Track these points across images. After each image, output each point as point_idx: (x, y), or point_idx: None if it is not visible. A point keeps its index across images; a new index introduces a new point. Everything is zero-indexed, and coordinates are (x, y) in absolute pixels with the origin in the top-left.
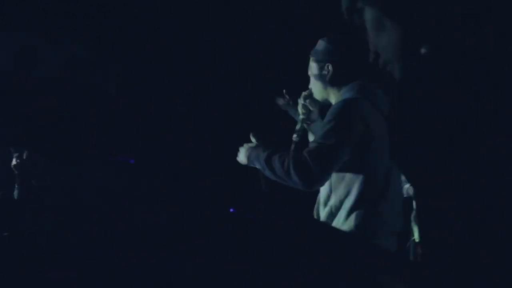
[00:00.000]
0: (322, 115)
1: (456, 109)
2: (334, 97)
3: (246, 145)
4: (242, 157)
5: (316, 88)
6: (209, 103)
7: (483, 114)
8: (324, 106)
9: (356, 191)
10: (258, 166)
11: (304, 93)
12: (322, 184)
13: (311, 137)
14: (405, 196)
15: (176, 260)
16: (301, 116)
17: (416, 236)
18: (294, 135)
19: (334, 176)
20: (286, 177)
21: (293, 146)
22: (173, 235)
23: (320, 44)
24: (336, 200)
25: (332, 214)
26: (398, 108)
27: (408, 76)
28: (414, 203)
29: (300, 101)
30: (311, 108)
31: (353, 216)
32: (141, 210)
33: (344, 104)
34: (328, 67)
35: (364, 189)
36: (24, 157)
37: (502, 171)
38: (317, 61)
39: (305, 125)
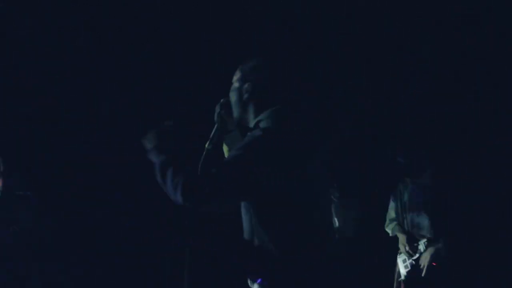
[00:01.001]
0: (240, 126)
1: (456, 109)
2: (250, 119)
3: (155, 133)
4: (147, 142)
5: (233, 104)
6: (209, 103)
7: (483, 114)
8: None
9: (281, 234)
10: (154, 161)
11: (221, 101)
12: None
13: (225, 148)
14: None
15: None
16: (216, 125)
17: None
18: (208, 143)
19: (255, 218)
20: (172, 192)
21: (204, 153)
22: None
23: (247, 61)
24: (259, 242)
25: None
26: (398, 108)
27: (408, 76)
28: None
29: (217, 109)
30: (226, 119)
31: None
32: (142, 210)
33: (260, 136)
34: (248, 86)
35: (290, 233)
36: None
37: (502, 171)
38: (240, 77)
39: (219, 134)
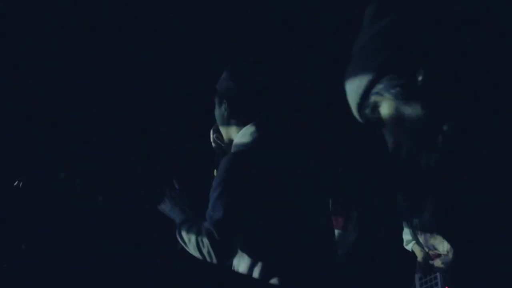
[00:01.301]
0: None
1: (456, 109)
2: (235, 136)
3: (170, 199)
4: (164, 207)
5: (219, 125)
6: (209, 103)
7: (483, 114)
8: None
9: (265, 254)
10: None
11: (214, 127)
12: (233, 255)
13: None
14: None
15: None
16: (215, 150)
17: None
18: (215, 170)
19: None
20: (197, 254)
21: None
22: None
23: (221, 78)
24: (245, 266)
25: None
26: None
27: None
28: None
29: (211, 135)
30: (220, 142)
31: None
32: (142, 210)
33: (231, 163)
34: (225, 104)
35: (274, 251)
36: None
37: (502, 171)
38: (217, 97)
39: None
